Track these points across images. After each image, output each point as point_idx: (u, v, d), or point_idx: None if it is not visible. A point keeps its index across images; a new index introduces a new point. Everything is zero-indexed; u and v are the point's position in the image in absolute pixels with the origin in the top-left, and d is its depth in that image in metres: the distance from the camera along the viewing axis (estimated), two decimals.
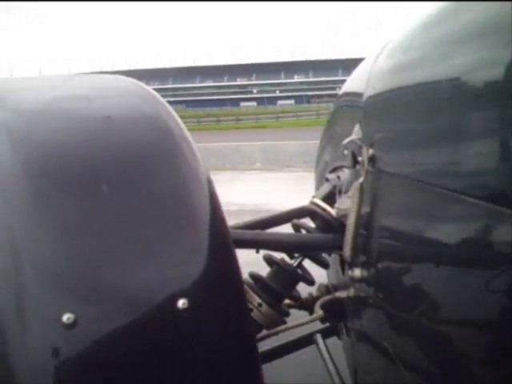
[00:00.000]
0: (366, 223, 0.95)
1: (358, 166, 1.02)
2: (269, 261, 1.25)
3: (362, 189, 0.95)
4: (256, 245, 1.17)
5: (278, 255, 1.26)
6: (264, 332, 1.16)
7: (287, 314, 1.23)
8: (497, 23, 0.57)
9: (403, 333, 0.80)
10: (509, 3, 0.54)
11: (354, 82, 1.36)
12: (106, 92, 0.84)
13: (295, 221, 1.29)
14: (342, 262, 1.27)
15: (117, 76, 0.92)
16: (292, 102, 71.05)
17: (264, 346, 1.36)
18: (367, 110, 1.04)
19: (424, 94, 0.73)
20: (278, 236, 1.24)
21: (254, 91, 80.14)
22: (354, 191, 0.98)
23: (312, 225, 1.26)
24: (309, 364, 1.70)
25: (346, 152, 1.18)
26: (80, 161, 0.67)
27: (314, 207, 1.26)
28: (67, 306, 0.58)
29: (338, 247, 1.10)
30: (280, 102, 71.19)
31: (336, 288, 1.35)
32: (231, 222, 1.20)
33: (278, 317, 1.20)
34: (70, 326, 0.57)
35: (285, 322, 1.22)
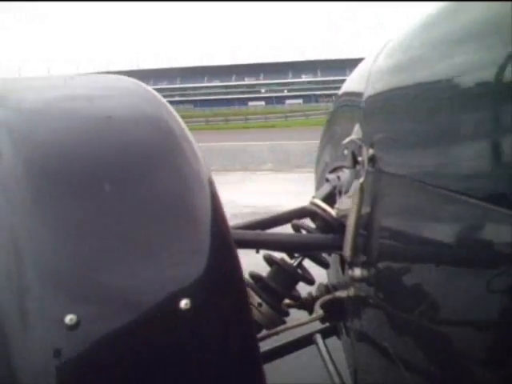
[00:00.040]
0: (365, 223, 0.95)
1: (357, 166, 1.02)
2: (269, 261, 1.25)
3: (362, 189, 0.95)
4: (256, 245, 1.17)
5: (278, 255, 1.26)
6: (264, 332, 1.16)
7: (287, 314, 1.23)
8: (497, 23, 0.57)
9: (403, 333, 0.80)
10: (509, 3, 0.54)
11: (353, 82, 1.36)
12: (107, 92, 0.84)
13: (295, 221, 1.29)
14: (342, 262, 1.27)
15: (118, 76, 0.92)
16: (300, 101, 71.01)
17: (264, 346, 1.35)
18: (367, 109, 1.04)
19: (424, 94, 0.73)
20: (278, 236, 1.24)
21: (262, 91, 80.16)
22: (354, 191, 0.98)
23: (312, 225, 1.26)
24: (309, 364, 1.70)
25: (345, 152, 1.18)
26: (81, 161, 0.67)
27: (314, 207, 1.26)
28: (70, 307, 0.58)
29: (338, 247, 1.10)
30: (288, 102, 71.15)
31: (336, 288, 1.35)
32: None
33: (278, 317, 1.20)
34: (73, 327, 0.57)
35: (285, 322, 1.22)
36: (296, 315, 1.29)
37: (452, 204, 0.62)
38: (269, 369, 0.72)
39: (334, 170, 1.37)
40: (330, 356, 1.38)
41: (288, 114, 35.64)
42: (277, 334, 1.18)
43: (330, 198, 1.25)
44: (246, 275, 1.18)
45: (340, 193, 1.20)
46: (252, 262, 1.18)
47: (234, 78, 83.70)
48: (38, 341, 0.58)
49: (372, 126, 1.00)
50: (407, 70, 0.85)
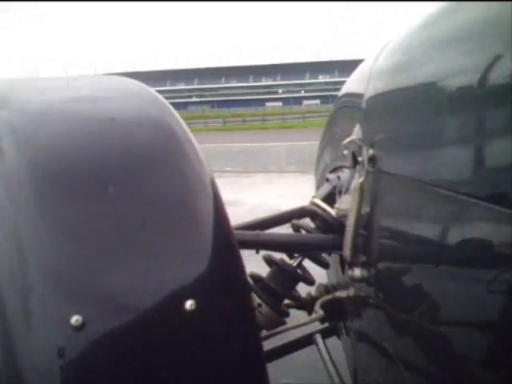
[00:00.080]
0: (365, 223, 0.95)
1: (358, 166, 1.02)
2: (269, 261, 1.25)
3: (362, 189, 0.95)
4: (256, 245, 1.17)
5: (278, 255, 1.26)
6: (264, 332, 1.16)
7: (287, 315, 1.23)
8: (497, 23, 0.57)
9: (403, 333, 0.80)
10: (509, 3, 0.54)
11: (353, 83, 1.36)
12: (110, 94, 0.84)
13: (295, 221, 1.29)
14: (342, 262, 1.27)
15: (121, 77, 0.92)
16: (318, 101, 70.85)
17: (264, 347, 1.35)
18: (367, 110, 1.04)
19: (424, 94, 0.73)
20: (278, 236, 1.24)
21: (280, 91, 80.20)
22: (353, 191, 0.98)
23: (312, 225, 1.26)
24: (309, 364, 1.70)
25: (346, 152, 1.18)
26: (84, 162, 0.67)
27: (313, 207, 1.26)
28: (75, 308, 0.58)
29: (337, 247, 1.10)
30: (305, 102, 71.01)
31: (336, 288, 1.35)
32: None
33: (278, 317, 1.20)
34: (79, 328, 0.57)
35: (285, 323, 1.22)
36: (296, 315, 1.29)
37: (452, 204, 0.62)
38: (269, 369, 0.73)
39: (334, 170, 1.37)
40: (330, 356, 1.38)
41: (306, 115, 35.47)
42: (277, 334, 1.18)
43: (330, 198, 1.25)
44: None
45: (340, 193, 1.20)
46: (252, 262, 1.18)
47: (251, 78, 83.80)
48: (43, 341, 0.58)
49: (372, 127, 1.00)
50: (407, 71, 0.85)
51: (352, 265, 1.04)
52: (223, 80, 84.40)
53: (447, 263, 0.64)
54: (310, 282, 1.28)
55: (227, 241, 0.71)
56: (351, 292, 1.11)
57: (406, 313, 0.79)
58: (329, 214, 1.22)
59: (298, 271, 1.25)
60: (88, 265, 0.61)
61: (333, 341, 1.56)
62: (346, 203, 1.08)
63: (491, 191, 0.54)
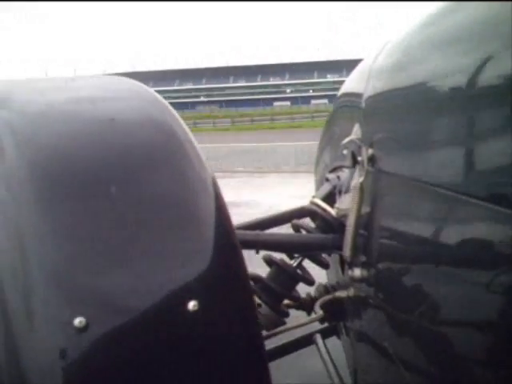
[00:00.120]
0: (365, 223, 0.95)
1: (357, 166, 1.02)
2: (268, 261, 1.25)
3: (361, 189, 0.95)
4: (256, 245, 1.16)
5: (278, 255, 1.26)
6: (264, 332, 1.16)
7: (287, 315, 1.23)
8: (496, 23, 0.57)
9: (403, 333, 0.80)
10: (509, 3, 0.54)
11: (353, 83, 1.36)
12: (110, 94, 0.84)
13: (295, 221, 1.29)
14: (342, 262, 1.27)
15: (120, 78, 0.92)
16: (326, 101, 70.78)
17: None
18: (367, 109, 1.04)
19: (424, 94, 0.73)
20: (278, 236, 1.24)
21: (288, 91, 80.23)
22: (353, 191, 0.98)
23: (312, 225, 1.26)
24: (308, 364, 1.70)
25: (345, 152, 1.18)
26: (85, 163, 0.67)
27: (313, 207, 1.26)
28: (78, 309, 0.58)
29: (337, 247, 1.09)
30: (314, 102, 70.95)
31: (335, 288, 1.35)
32: None
33: (278, 317, 1.20)
34: (82, 329, 0.57)
35: (284, 323, 1.21)
36: (296, 315, 1.29)
37: (452, 204, 0.62)
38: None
39: (333, 170, 1.37)
40: (330, 356, 1.38)
41: (314, 114, 35.30)
42: (277, 334, 1.18)
43: (330, 198, 1.25)
44: None
45: (340, 192, 1.20)
46: (251, 262, 1.18)
47: (259, 78, 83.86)
48: (47, 343, 0.58)
49: (372, 126, 1.00)
50: (407, 70, 0.85)
51: (352, 265, 1.04)
52: (231, 80, 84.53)
53: (447, 263, 0.64)
54: (309, 282, 1.28)
55: (229, 241, 0.71)
56: (351, 292, 1.11)
57: (405, 313, 0.79)
58: (329, 213, 1.21)
59: (298, 271, 1.25)
60: (90, 266, 0.61)
61: (333, 341, 1.56)
62: (346, 203, 1.07)
63: (491, 191, 0.54)
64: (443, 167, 0.65)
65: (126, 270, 0.62)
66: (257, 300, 1.16)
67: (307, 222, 1.29)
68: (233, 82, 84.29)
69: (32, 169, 0.65)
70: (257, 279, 1.21)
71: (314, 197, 1.30)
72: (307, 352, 1.52)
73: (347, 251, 1.01)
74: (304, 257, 1.25)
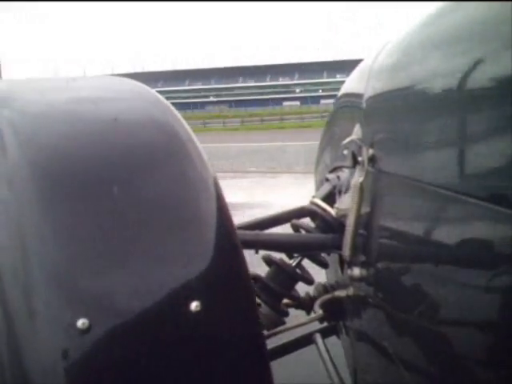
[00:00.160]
0: (365, 223, 0.95)
1: (357, 166, 1.02)
2: (268, 261, 1.25)
3: (361, 189, 0.95)
4: (255, 245, 1.16)
5: (277, 255, 1.26)
6: (264, 332, 1.16)
7: (286, 314, 1.23)
8: (496, 23, 0.57)
9: (403, 333, 0.80)
10: (509, 3, 0.54)
11: (353, 83, 1.36)
12: (112, 94, 0.84)
13: (294, 221, 1.29)
14: (342, 262, 1.27)
15: (120, 78, 0.92)
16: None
17: None
18: (367, 110, 1.04)
19: (424, 94, 0.73)
20: (278, 236, 1.24)
21: (297, 91, 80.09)
22: (353, 191, 0.98)
23: (312, 225, 1.26)
24: (308, 364, 1.69)
25: (345, 152, 1.18)
26: (87, 163, 0.67)
27: (313, 207, 1.26)
28: (81, 311, 0.58)
29: (337, 247, 1.10)
30: (323, 102, 70.79)
31: (334, 287, 1.35)
32: None
33: (278, 317, 1.20)
34: (85, 331, 0.57)
35: (284, 323, 1.22)
36: (295, 315, 1.29)
37: (452, 204, 0.62)
38: None
39: (333, 170, 1.37)
40: (330, 356, 1.38)
41: (324, 114, 35.33)
42: (276, 334, 1.18)
43: (330, 198, 1.25)
44: None
45: (340, 192, 1.20)
46: (251, 262, 1.18)
47: (268, 78, 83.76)
48: (50, 344, 0.58)
49: (372, 126, 1.00)
50: (407, 70, 0.85)
51: (351, 264, 1.05)
52: (240, 80, 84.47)
53: (446, 263, 0.64)
54: (309, 281, 1.28)
55: (230, 241, 0.71)
56: (350, 291, 1.11)
57: (405, 312, 0.79)
58: (329, 213, 1.21)
59: (298, 271, 1.25)
60: (92, 266, 0.61)
61: (332, 341, 1.56)
62: (346, 203, 1.08)
63: (491, 191, 0.54)
64: (443, 167, 0.65)
65: (127, 271, 0.62)
66: (256, 300, 1.16)
67: (307, 221, 1.29)
68: (242, 82, 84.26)
69: (34, 168, 0.65)
70: (256, 279, 1.21)
71: (313, 197, 1.30)
72: (307, 352, 1.52)
73: (347, 251, 1.01)
74: (303, 256, 1.25)
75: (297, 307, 1.32)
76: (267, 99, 77.49)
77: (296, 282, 1.25)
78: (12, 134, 0.69)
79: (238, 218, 1.29)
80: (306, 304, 1.31)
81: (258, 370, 0.71)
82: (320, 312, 1.24)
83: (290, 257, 1.27)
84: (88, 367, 0.59)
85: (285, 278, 1.23)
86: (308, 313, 1.31)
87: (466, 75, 0.60)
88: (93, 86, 0.89)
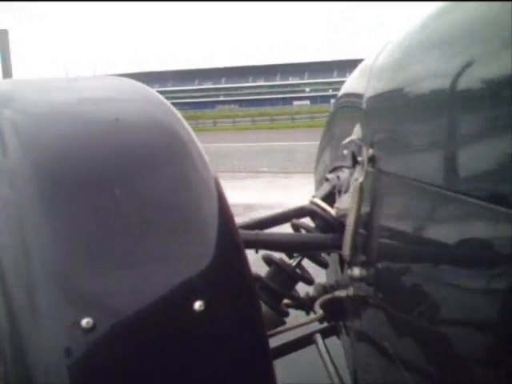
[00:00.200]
0: (365, 223, 0.95)
1: (357, 166, 1.02)
2: (268, 261, 1.25)
3: (361, 189, 0.95)
4: (255, 245, 1.16)
5: (277, 255, 1.26)
6: None
7: (286, 314, 1.23)
8: (496, 23, 0.57)
9: (403, 333, 0.80)
10: (509, 3, 0.54)
11: (353, 83, 1.36)
12: (113, 95, 0.84)
13: (294, 220, 1.29)
14: (342, 262, 1.27)
15: (121, 78, 0.92)
16: None
17: None
18: (367, 110, 1.04)
19: (424, 94, 0.73)
20: (278, 236, 1.24)
21: (307, 90, 79.90)
22: (353, 191, 0.98)
23: (312, 224, 1.26)
24: (309, 364, 1.69)
25: (345, 152, 1.18)
26: (88, 163, 0.67)
27: (313, 207, 1.26)
28: (85, 310, 0.59)
29: (337, 247, 1.10)
30: (333, 101, 70.50)
31: (334, 287, 1.35)
32: None
33: (278, 317, 1.19)
34: (89, 330, 0.58)
35: (284, 323, 1.21)
36: (296, 315, 1.29)
37: (452, 204, 0.62)
38: None
39: (333, 170, 1.37)
40: (330, 356, 1.38)
41: None
42: (277, 334, 1.18)
43: (330, 198, 1.25)
44: None
45: (340, 192, 1.20)
46: (251, 262, 1.18)
47: (278, 77, 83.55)
48: (53, 342, 0.58)
49: (372, 127, 1.00)
50: (407, 70, 0.85)
51: (351, 264, 1.05)
52: (250, 79, 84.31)
53: (446, 263, 0.64)
54: (309, 281, 1.28)
55: (233, 241, 0.72)
56: (351, 291, 1.11)
57: (405, 312, 0.79)
58: (328, 213, 1.21)
59: (297, 271, 1.25)
60: (97, 266, 0.61)
61: (333, 341, 1.56)
62: (346, 203, 1.08)
63: (491, 191, 0.54)
64: (443, 167, 0.65)
65: (131, 271, 0.62)
66: None
67: (307, 221, 1.29)
68: (252, 82, 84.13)
69: (36, 169, 0.66)
70: (256, 279, 1.21)
71: (313, 197, 1.30)
72: (307, 352, 1.52)
73: (347, 251, 1.01)
74: (303, 256, 1.25)
75: (297, 307, 1.31)
76: (277, 99, 77.43)
77: (296, 281, 1.25)
78: (14, 134, 0.69)
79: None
80: (305, 304, 1.31)
81: (262, 370, 0.71)
82: (320, 312, 1.24)
83: (290, 257, 1.27)
84: (92, 366, 0.59)
85: (285, 278, 1.22)
86: (307, 313, 1.31)
87: (466, 75, 0.60)
88: (94, 87, 0.89)
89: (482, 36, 0.60)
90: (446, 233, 0.65)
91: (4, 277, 0.61)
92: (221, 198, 0.72)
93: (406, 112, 0.80)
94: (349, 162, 1.13)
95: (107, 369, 0.60)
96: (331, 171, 1.37)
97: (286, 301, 1.27)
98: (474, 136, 0.59)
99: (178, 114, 0.79)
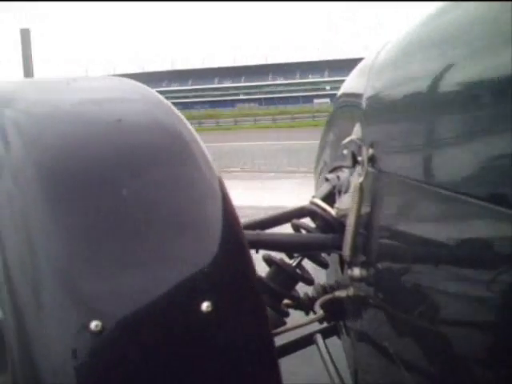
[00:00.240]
0: (365, 223, 0.95)
1: (357, 166, 1.02)
2: (268, 261, 1.25)
3: (361, 189, 0.95)
4: (256, 245, 1.16)
5: (278, 255, 1.26)
6: None
7: (287, 315, 1.23)
8: (496, 23, 0.57)
9: (403, 333, 0.80)
10: (509, 3, 0.54)
11: (353, 82, 1.36)
12: (114, 95, 0.84)
13: (295, 221, 1.28)
14: (342, 262, 1.27)
15: (121, 79, 0.92)
16: None
17: None
18: (367, 109, 1.04)
19: (424, 94, 0.73)
20: (278, 236, 1.24)
21: (327, 88, 79.58)
22: (353, 191, 0.98)
23: (312, 225, 1.26)
24: (309, 364, 1.69)
25: (345, 152, 1.18)
26: (91, 163, 0.67)
27: (313, 207, 1.26)
28: (94, 312, 0.59)
29: (337, 247, 1.10)
30: None
31: (334, 287, 1.35)
32: None
33: (278, 317, 1.19)
34: (98, 332, 0.58)
35: (285, 323, 1.21)
36: (296, 315, 1.29)
37: (452, 204, 0.62)
38: None
39: (333, 170, 1.37)
40: (330, 356, 1.37)
41: None
42: (277, 334, 1.17)
43: (330, 198, 1.25)
44: None
45: (340, 192, 1.20)
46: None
47: (298, 75, 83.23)
48: (61, 344, 0.58)
49: (372, 126, 1.00)
50: (407, 70, 0.85)
51: (351, 264, 1.04)
52: (270, 77, 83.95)
53: (447, 263, 0.64)
54: (309, 281, 1.28)
55: (238, 241, 0.72)
56: (351, 292, 1.11)
57: (406, 312, 0.79)
58: (329, 213, 1.21)
59: (298, 271, 1.25)
60: (104, 267, 0.61)
61: (333, 341, 1.56)
62: (346, 203, 1.07)
63: (491, 191, 0.54)
64: (443, 167, 0.65)
65: (138, 272, 0.62)
66: None
67: (307, 221, 1.29)
68: (271, 80, 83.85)
69: (38, 169, 0.66)
70: (257, 279, 1.21)
71: (313, 197, 1.30)
72: (307, 352, 1.52)
73: (347, 251, 1.01)
74: (303, 256, 1.25)
75: (297, 307, 1.31)
76: (297, 97, 77.25)
77: (296, 282, 1.25)
78: (16, 134, 0.69)
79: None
80: (305, 304, 1.31)
81: (268, 370, 0.71)
82: (320, 312, 1.24)
83: (290, 257, 1.27)
84: (100, 368, 0.59)
85: (285, 278, 1.22)
86: (307, 313, 1.31)
87: (466, 75, 0.60)
88: (96, 87, 0.89)
89: (481, 36, 0.59)
90: (446, 233, 0.65)
91: (11, 280, 0.61)
92: (225, 199, 0.72)
93: (406, 111, 0.80)
94: (349, 162, 1.13)
95: (115, 371, 0.60)
96: (331, 171, 1.37)
97: (286, 301, 1.27)
98: (474, 136, 0.59)
99: (180, 114, 0.80)
